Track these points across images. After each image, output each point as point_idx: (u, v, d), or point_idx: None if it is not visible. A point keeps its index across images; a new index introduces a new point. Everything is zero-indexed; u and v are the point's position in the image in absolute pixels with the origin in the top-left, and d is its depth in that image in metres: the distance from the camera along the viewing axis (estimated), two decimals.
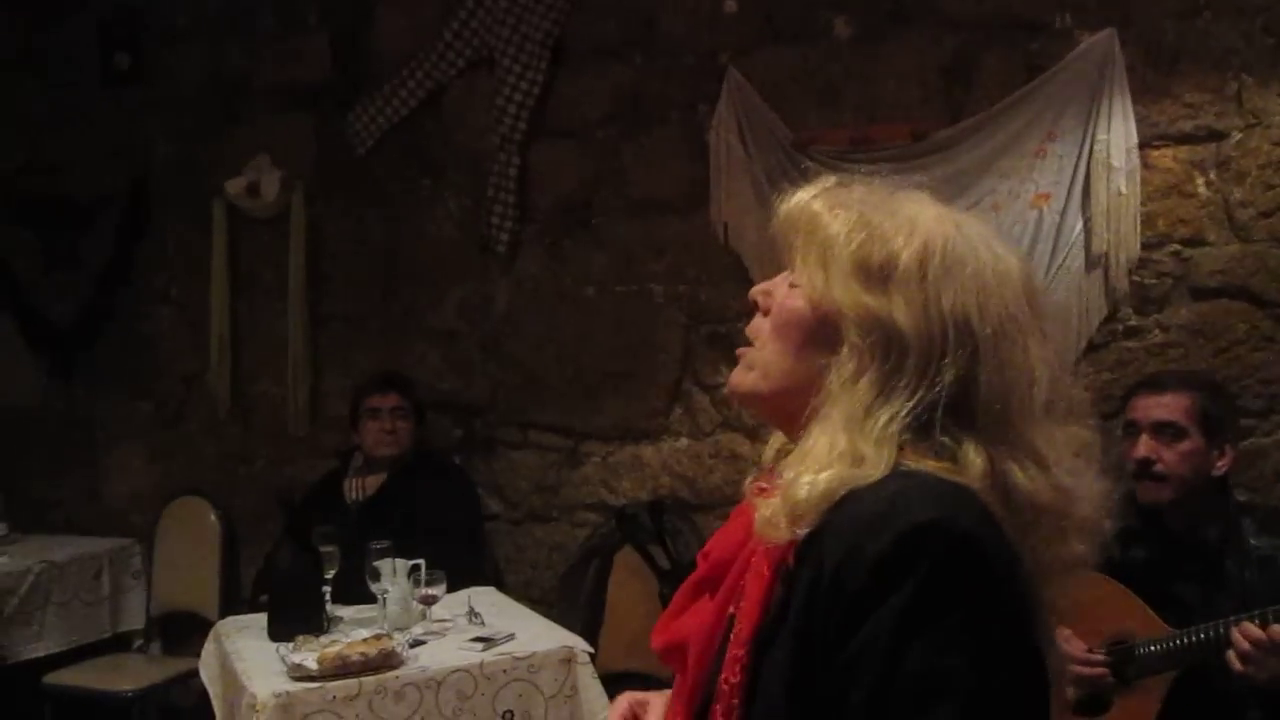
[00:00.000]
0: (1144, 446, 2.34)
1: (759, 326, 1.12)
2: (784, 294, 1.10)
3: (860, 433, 0.98)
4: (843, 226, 1.05)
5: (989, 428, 0.98)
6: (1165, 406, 2.35)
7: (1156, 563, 2.35)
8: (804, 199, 1.10)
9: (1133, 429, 2.39)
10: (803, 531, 0.97)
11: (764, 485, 1.07)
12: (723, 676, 1.01)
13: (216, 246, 4.31)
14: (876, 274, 1.02)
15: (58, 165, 4.56)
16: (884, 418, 0.98)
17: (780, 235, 1.12)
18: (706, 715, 1.03)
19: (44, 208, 4.56)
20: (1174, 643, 2.26)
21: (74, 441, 4.63)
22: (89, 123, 4.53)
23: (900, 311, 1.00)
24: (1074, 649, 2.31)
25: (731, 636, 1.02)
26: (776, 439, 1.18)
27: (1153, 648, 2.29)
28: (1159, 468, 2.33)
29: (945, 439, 0.98)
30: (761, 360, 1.10)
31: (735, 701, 0.99)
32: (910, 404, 0.98)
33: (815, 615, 0.94)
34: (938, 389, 0.98)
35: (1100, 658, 2.32)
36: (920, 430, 0.98)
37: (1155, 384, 2.45)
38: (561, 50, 3.80)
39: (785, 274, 1.12)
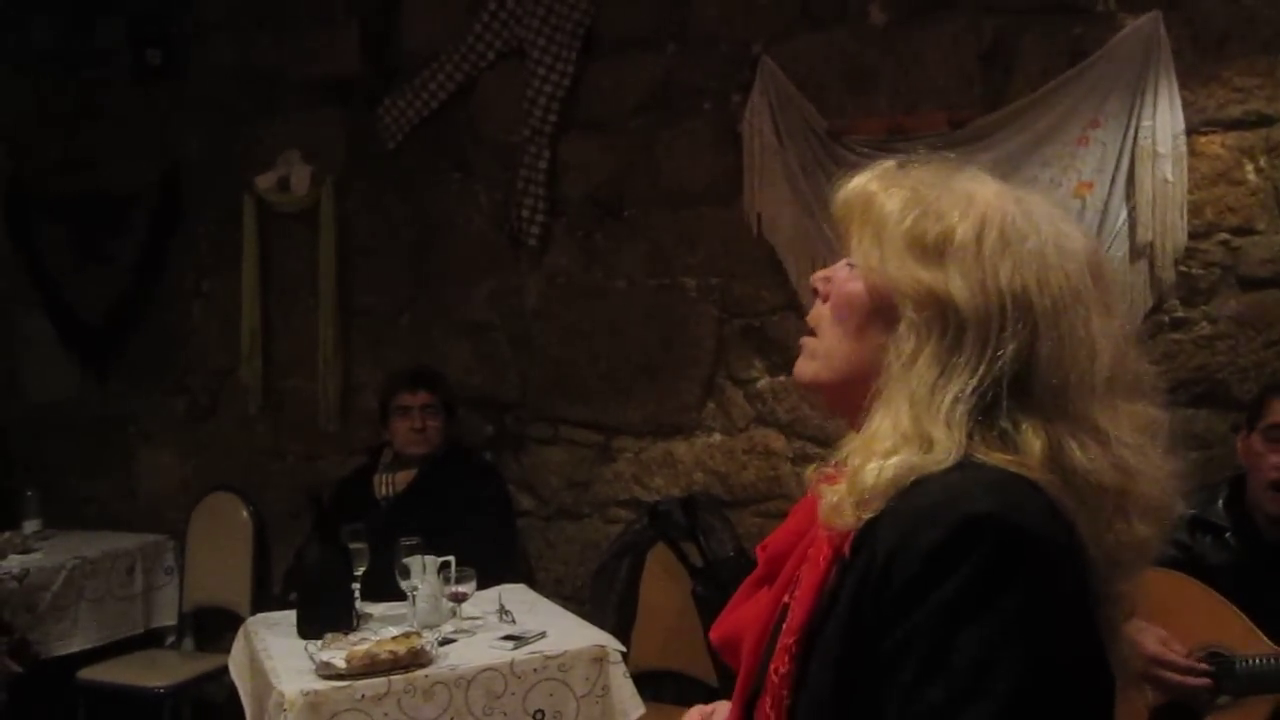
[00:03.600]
0: None
1: (820, 313, 1.11)
2: (843, 277, 1.08)
3: (927, 414, 0.96)
4: (897, 204, 1.04)
5: (1048, 403, 0.96)
6: None
7: (1247, 567, 2.23)
8: (861, 181, 1.09)
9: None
10: (868, 516, 0.95)
11: (829, 470, 1.06)
12: (772, 666, 1.01)
13: (247, 241, 4.32)
14: (932, 249, 1.01)
15: (90, 162, 4.58)
16: (949, 397, 0.96)
17: (839, 221, 1.11)
18: (755, 706, 1.03)
19: (76, 204, 4.59)
20: None
21: (107, 438, 4.65)
22: (120, 119, 4.55)
23: (957, 286, 0.98)
24: (1173, 654, 2.13)
25: (784, 626, 1.01)
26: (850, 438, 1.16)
27: (1258, 663, 2.13)
28: None
29: (1006, 424, 0.96)
30: (823, 347, 1.09)
31: (784, 691, 0.98)
32: (973, 381, 0.96)
33: (865, 603, 0.93)
34: (999, 365, 0.96)
35: (1205, 667, 2.14)
36: (985, 411, 0.96)
37: None
38: (592, 41, 3.76)
39: (845, 260, 1.10)
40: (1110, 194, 3.08)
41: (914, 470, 0.94)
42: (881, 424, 0.98)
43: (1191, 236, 3.03)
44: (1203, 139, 3.02)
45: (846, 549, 0.97)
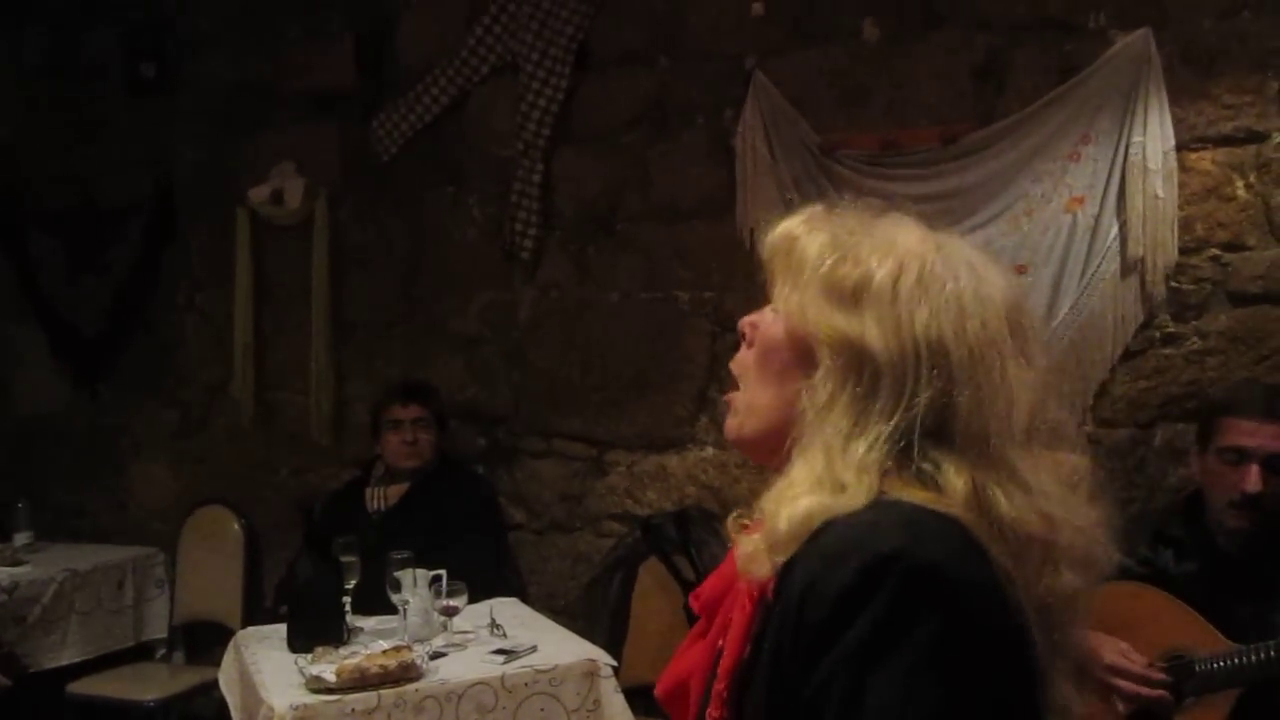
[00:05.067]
0: (1257, 479, 2.21)
1: (744, 361, 1.10)
2: (768, 323, 1.08)
3: (840, 460, 0.95)
4: (817, 248, 1.04)
5: (970, 451, 0.95)
6: None
7: (1208, 578, 2.27)
8: (787, 225, 1.09)
9: (1238, 456, 2.26)
10: (780, 560, 0.94)
11: (746, 522, 1.06)
12: (708, 713, 1.00)
13: (240, 254, 4.31)
14: (849, 295, 1.00)
15: (83, 174, 4.58)
16: (863, 445, 0.95)
17: (765, 264, 1.11)
18: None
19: (70, 217, 4.59)
20: (1239, 659, 2.16)
21: (98, 450, 4.64)
22: (114, 132, 4.55)
23: (872, 333, 0.97)
24: (1133, 665, 2.19)
25: (716, 671, 1.01)
26: None
27: (1216, 664, 2.19)
28: (1268, 502, 2.22)
29: (926, 465, 0.95)
30: (745, 400, 1.08)
31: None
32: (888, 428, 0.95)
33: (784, 647, 0.92)
34: (914, 412, 0.95)
35: (1162, 678, 2.19)
36: (902, 455, 0.95)
37: (1270, 410, 2.29)
38: (585, 55, 3.77)
39: (770, 305, 1.10)
40: (1101, 209, 3.09)
41: (826, 511, 0.93)
42: (797, 472, 0.97)
43: (1182, 252, 3.04)
44: (1193, 155, 3.03)
45: (770, 591, 0.96)
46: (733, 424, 1.09)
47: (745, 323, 1.10)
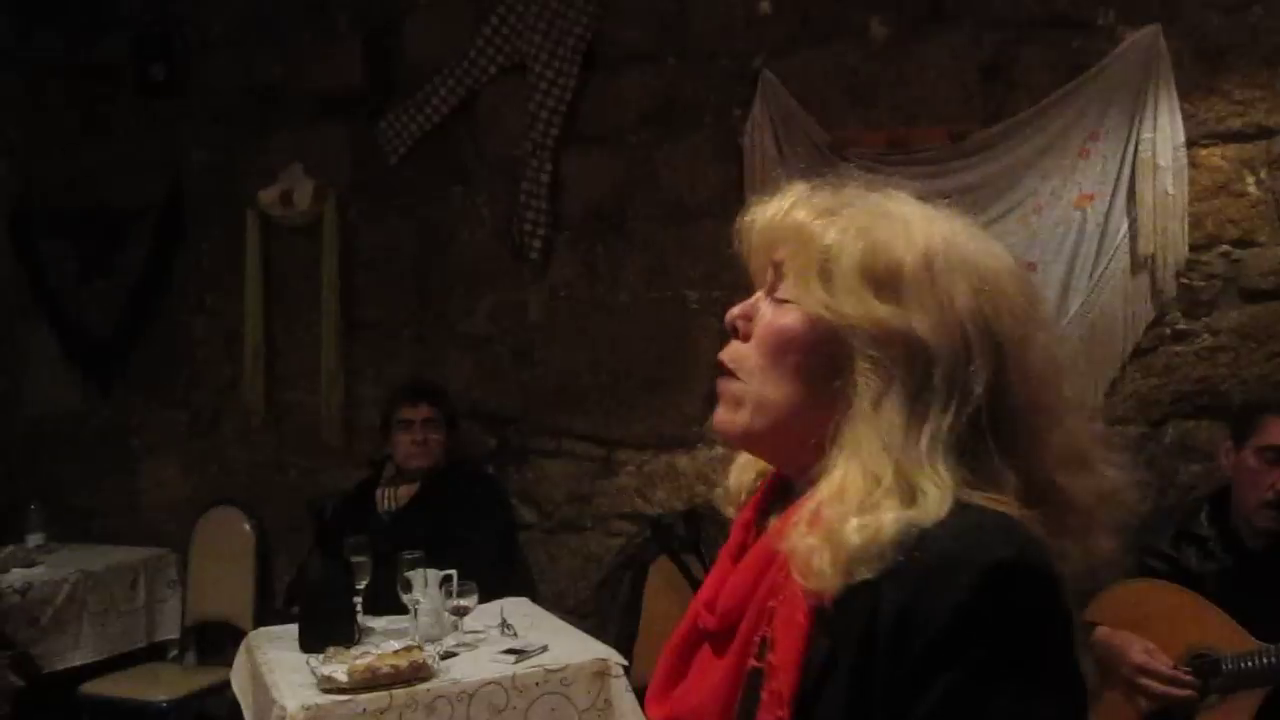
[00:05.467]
0: None
1: (740, 354, 1.01)
2: (772, 314, 1.00)
3: (907, 460, 0.90)
4: (838, 234, 0.97)
5: (1020, 431, 0.92)
6: None
7: (1234, 576, 2.26)
8: (781, 209, 1.01)
9: (1277, 455, 2.28)
10: (860, 578, 0.88)
11: (777, 525, 0.98)
12: None
13: (250, 256, 4.32)
14: (886, 283, 0.94)
15: (94, 176, 4.59)
16: (925, 439, 0.90)
17: (755, 250, 1.04)
18: None
19: (80, 218, 4.60)
20: (1267, 659, 2.15)
21: (110, 451, 4.65)
22: (124, 134, 4.56)
23: (919, 320, 0.92)
24: (1158, 664, 2.19)
25: (766, 696, 0.92)
26: (748, 467, 1.10)
27: (1243, 663, 2.18)
28: None
29: (982, 460, 0.91)
30: (753, 393, 0.99)
31: None
32: (947, 419, 0.90)
33: (876, 668, 0.86)
34: (971, 400, 0.91)
35: (1189, 679, 2.19)
36: (962, 448, 0.91)
37: None
38: (593, 55, 3.77)
39: (760, 294, 1.03)
40: (1111, 206, 3.08)
41: (913, 524, 0.87)
42: (852, 474, 0.91)
43: (1192, 248, 3.03)
44: (1203, 151, 3.03)
45: (829, 604, 0.90)
46: (737, 418, 1.01)
47: (735, 315, 1.03)
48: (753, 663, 0.95)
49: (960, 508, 0.88)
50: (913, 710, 0.84)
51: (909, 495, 0.89)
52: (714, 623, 1.01)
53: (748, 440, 1.03)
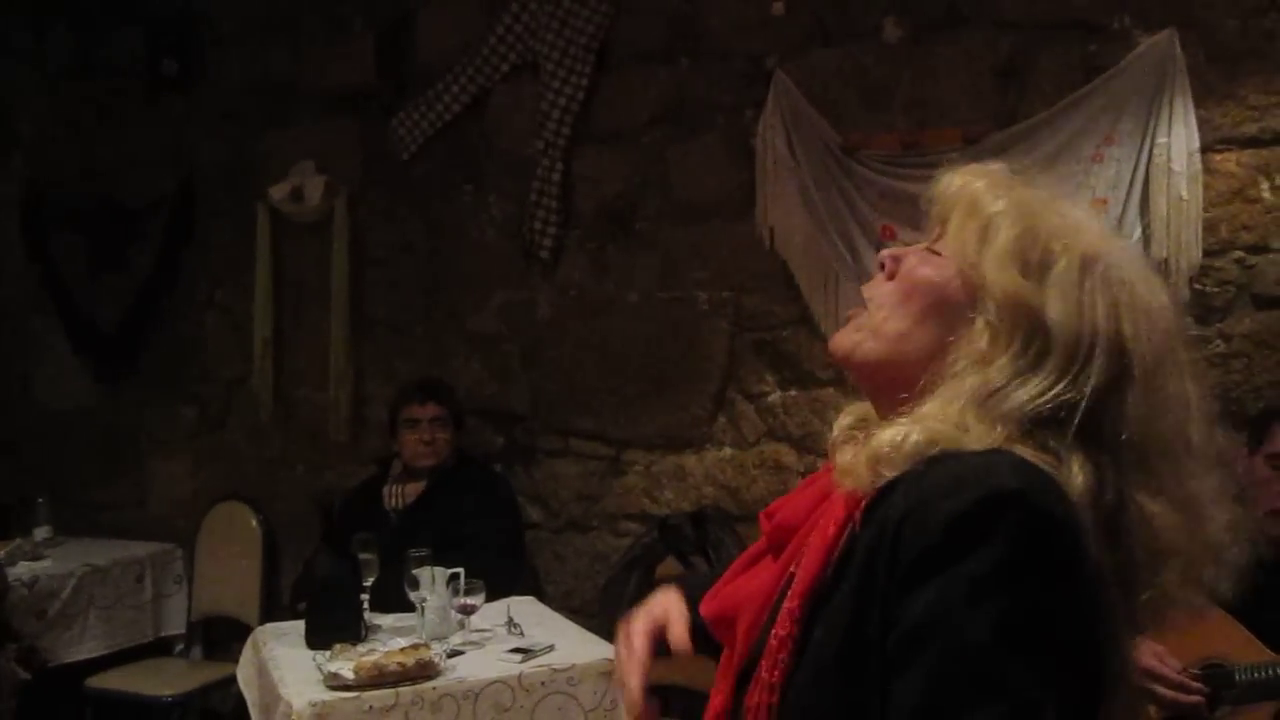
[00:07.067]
0: None
1: (881, 289, 1.07)
2: (918, 259, 1.05)
3: (979, 409, 0.94)
4: (1006, 208, 1.02)
5: (1127, 455, 0.94)
6: None
7: (1250, 586, 2.25)
8: (969, 180, 1.06)
9: None
10: (885, 477, 0.93)
11: (856, 434, 1.05)
12: (773, 631, 0.97)
13: (260, 251, 4.33)
14: (1035, 264, 0.99)
15: (106, 171, 4.60)
16: (1010, 403, 0.93)
17: (934, 206, 1.08)
18: (752, 673, 0.99)
19: (92, 213, 4.61)
20: None
21: (118, 446, 4.66)
22: (136, 129, 4.57)
23: (1053, 305, 0.96)
24: (1168, 670, 2.18)
25: (788, 592, 0.98)
26: (852, 409, 1.13)
27: (1257, 674, 2.16)
28: None
29: (1058, 445, 0.93)
30: (874, 323, 1.05)
31: (783, 655, 0.95)
32: (1042, 399, 0.93)
33: (877, 568, 0.90)
34: (1076, 393, 0.94)
35: (1199, 686, 2.18)
36: (1044, 427, 0.93)
37: None
38: (605, 54, 3.77)
39: (920, 245, 1.08)
40: (1125, 211, 3.07)
41: (942, 441, 0.92)
42: (929, 408, 0.96)
43: (1206, 254, 3.01)
44: (1218, 157, 3.01)
45: (858, 518, 0.94)
46: (849, 339, 1.06)
47: (886, 255, 1.09)
48: (791, 568, 1.01)
49: (1000, 449, 0.91)
50: (900, 616, 0.87)
51: (960, 426, 0.93)
52: (770, 531, 1.08)
53: (851, 361, 1.07)
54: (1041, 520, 0.87)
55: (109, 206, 4.58)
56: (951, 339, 0.99)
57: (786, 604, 0.97)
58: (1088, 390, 0.94)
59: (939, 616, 0.85)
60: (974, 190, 1.05)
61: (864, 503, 0.95)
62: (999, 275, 0.98)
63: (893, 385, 1.02)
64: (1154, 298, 0.99)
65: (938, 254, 1.05)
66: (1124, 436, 0.94)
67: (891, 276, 1.07)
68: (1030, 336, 0.96)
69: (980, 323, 0.98)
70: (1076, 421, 0.93)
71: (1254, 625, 2.20)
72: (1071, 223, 1.02)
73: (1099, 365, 0.95)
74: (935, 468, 0.91)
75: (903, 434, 0.93)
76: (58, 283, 4.72)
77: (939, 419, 0.94)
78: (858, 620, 0.90)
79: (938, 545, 0.87)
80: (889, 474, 0.93)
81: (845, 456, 0.98)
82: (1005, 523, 0.86)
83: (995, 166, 1.08)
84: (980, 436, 0.92)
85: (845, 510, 0.96)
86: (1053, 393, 0.94)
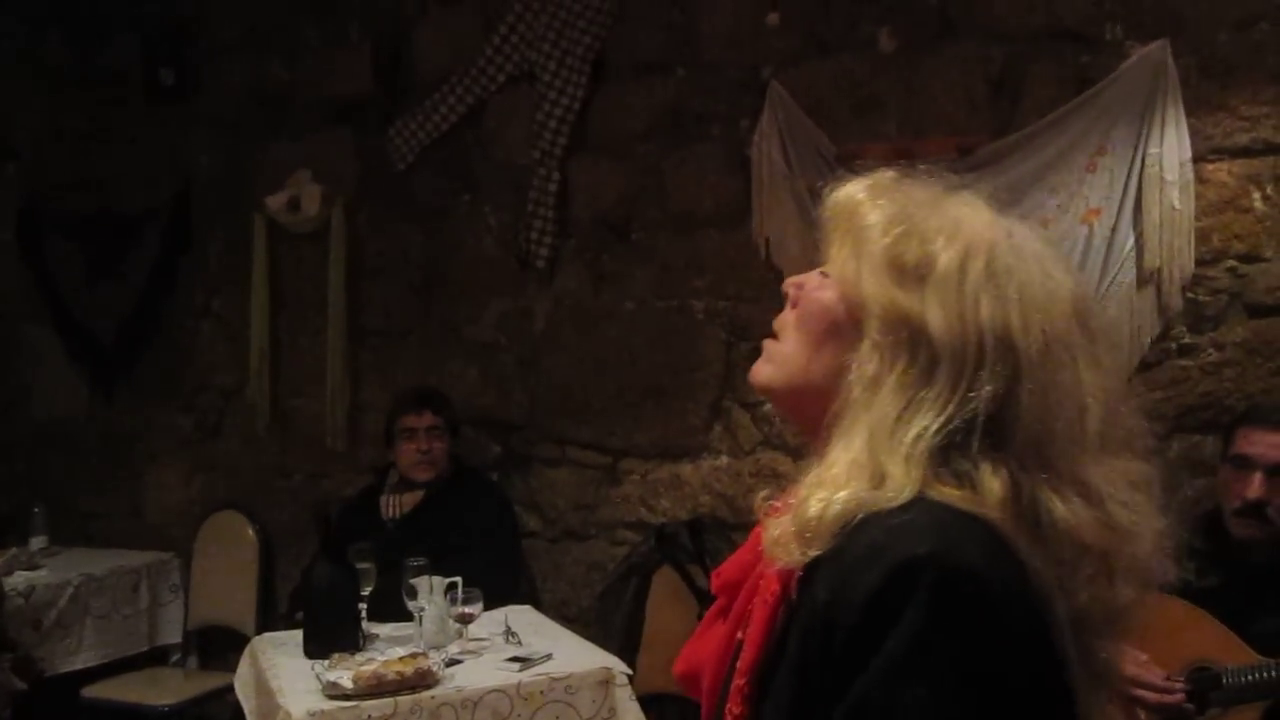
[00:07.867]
0: (1259, 487, 2.26)
1: (785, 319, 1.07)
2: (816, 284, 1.04)
3: (885, 446, 0.91)
4: (881, 217, 1.00)
5: (1026, 453, 0.91)
6: None
7: (1233, 590, 2.27)
8: (852, 189, 1.05)
9: (1245, 464, 2.30)
10: (812, 554, 0.90)
11: (777, 504, 1.02)
12: (727, 707, 0.97)
13: (257, 261, 4.33)
14: (911, 272, 0.95)
15: (102, 180, 4.61)
16: (912, 432, 0.90)
17: (824, 226, 1.07)
18: None
19: (88, 222, 4.62)
20: (1268, 673, 2.16)
21: (114, 455, 4.66)
22: (133, 138, 4.58)
23: (934, 314, 0.93)
24: (1151, 676, 2.21)
25: (736, 666, 0.97)
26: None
27: (1244, 677, 2.19)
28: (1270, 511, 2.24)
29: (965, 463, 0.90)
30: (780, 352, 1.05)
31: None
32: (941, 419, 0.90)
33: (810, 650, 0.88)
34: (973, 404, 0.90)
35: (1179, 685, 2.21)
36: (949, 450, 0.90)
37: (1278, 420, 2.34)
38: (602, 65, 3.78)
39: (819, 268, 1.07)
40: (1118, 221, 3.09)
41: (862, 507, 0.89)
42: (839, 455, 0.93)
43: (1199, 263, 3.03)
44: (1210, 166, 3.03)
45: (793, 588, 0.93)
46: (761, 370, 1.06)
47: (790, 283, 1.08)
48: (739, 634, 1.00)
49: (919, 499, 0.88)
50: (832, 695, 0.85)
51: (875, 480, 0.90)
52: (717, 589, 1.07)
53: (766, 391, 1.07)
54: (958, 579, 0.84)
55: (105, 216, 4.58)
56: (848, 362, 0.96)
57: (736, 680, 0.97)
58: (985, 395, 0.90)
59: (870, 704, 0.83)
60: (853, 203, 1.03)
61: (796, 575, 0.93)
62: (875, 289, 0.96)
63: (807, 413, 1.01)
64: (1047, 282, 0.95)
65: (827, 275, 1.03)
66: (1019, 434, 0.91)
67: (795, 304, 1.06)
68: (915, 350, 0.93)
69: (867, 343, 0.95)
70: (979, 432, 0.90)
71: (1243, 629, 2.23)
72: (951, 218, 0.98)
73: (991, 368, 0.91)
74: (856, 538, 0.88)
75: (822, 507, 0.90)
76: (54, 292, 4.72)
77: (853, 474, 0.91)
78: (801, 700, 0.89)
79: (859, 627, 0.84)
80: (815, 550, 0.90)
81: (773, 531, 0.94)
82: (918, 592, 0.83)
83: (882, 174, 1.06)
84: (899, 482, 0.89)
85: (780, 583, 0.95)
86: (949, 410, 0.90)
